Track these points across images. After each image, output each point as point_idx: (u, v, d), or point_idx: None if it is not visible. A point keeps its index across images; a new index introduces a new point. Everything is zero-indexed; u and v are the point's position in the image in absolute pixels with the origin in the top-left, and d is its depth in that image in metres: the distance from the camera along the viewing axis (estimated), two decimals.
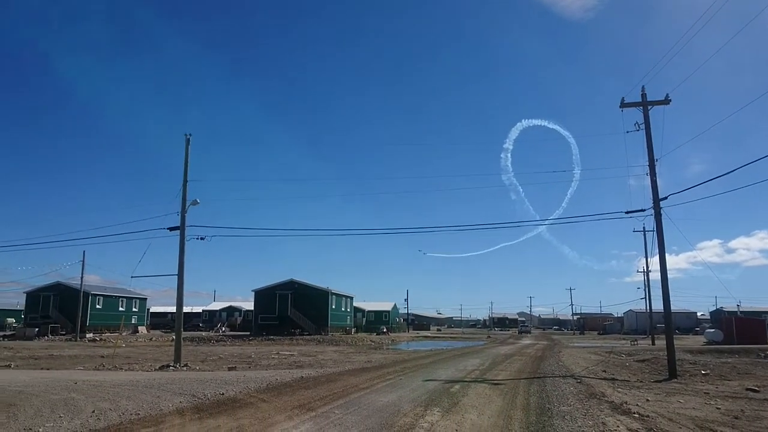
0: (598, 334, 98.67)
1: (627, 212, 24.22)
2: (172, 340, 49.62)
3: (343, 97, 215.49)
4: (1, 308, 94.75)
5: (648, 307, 60.70)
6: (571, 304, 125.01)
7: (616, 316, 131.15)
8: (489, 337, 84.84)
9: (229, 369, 24.27)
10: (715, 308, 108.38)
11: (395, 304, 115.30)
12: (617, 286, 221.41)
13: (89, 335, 64.28)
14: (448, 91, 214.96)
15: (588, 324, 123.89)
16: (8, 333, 71.33)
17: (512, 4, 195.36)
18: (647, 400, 14.45)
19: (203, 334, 77.46)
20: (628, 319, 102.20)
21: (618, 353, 36.42)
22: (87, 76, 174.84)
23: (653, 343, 49.22)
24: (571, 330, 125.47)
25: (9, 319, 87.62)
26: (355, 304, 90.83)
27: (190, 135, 27.49)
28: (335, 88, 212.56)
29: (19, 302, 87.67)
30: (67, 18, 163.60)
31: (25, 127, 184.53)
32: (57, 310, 71.36)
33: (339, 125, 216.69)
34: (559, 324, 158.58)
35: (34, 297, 73.60)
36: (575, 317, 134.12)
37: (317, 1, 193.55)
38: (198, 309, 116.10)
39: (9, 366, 26.87)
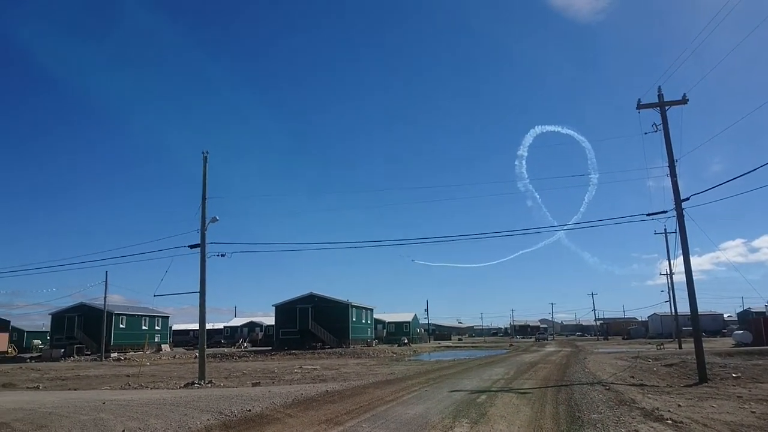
0: (623, 339, 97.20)
1: (648, 214, 23.94)
2: (196, 357, 49.94)
3: (350, 106, 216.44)
4: (27, 330, 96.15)
5: (673, 310, 59.77)
6: (594, 310, 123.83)
7: (640, 320, 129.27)
8: (511, 345, 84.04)
9: (254, 385, 24.31)
10: (742, 309, 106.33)
11: (415, 315, 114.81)
12: (640, 290, 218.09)
13: (114, 354, 64.89)
14: (458, 98, 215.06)
15: (612, 329, 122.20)
16: (35, 355, 72.30)
17: (522, 9, 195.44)
18: (679, 405, 14.18)
19: (225, 350, 77.75)
20: (653, 322, 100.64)
21: (645, 358, 35.85)
22: (100, 91, 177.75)
23: (680, 347, 48.37)
24: (595, 336, 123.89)
25: (36, 341, 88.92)
26: (375, 315, 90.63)
27: (207, 153, 27.82)
28: (344, 98, 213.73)
29: (44, 324, 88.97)
30: (83, 31, 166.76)
31: (40, 146, 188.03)
32: (82, 331, 72.15)
33: (352, 136, 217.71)
34: (582, 330, 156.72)
35: (59, 318, 74.52)
36: (598, 323, 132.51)
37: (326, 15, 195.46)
38: (219, 325, 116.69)
39: (37, 387, 27.21)
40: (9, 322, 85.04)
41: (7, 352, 76.46)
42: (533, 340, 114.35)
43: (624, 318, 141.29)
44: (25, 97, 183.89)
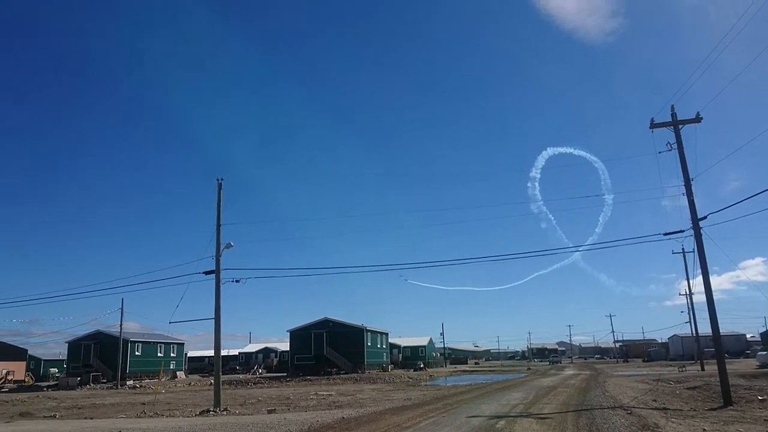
0: (643, 361, 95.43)
1: (665, 234, 23.70)
2: (211, 384, 49.72)
3: (358, 125, 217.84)
4: (44, 359, 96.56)
5: (694, 331, 58.68)
6: (612, 332, 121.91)
7: (660, 341, 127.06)
8: (529, 368, 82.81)
9: (269, 412, 24.11)
10: (765, 329, 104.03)
11: (431, 339, 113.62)
12: (659, 311, 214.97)
13: (129, 382, 64.83)
14: (467, 120, 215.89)
15: (631, 351, 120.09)
16: (52, 383, 72.46)
17: (532, 32, 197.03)
18: (704, 430, 13.81)
19: (240, 376, 77.42)
20: (674, 344, 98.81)
21: (666, 381, 35.12)
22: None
23: (703, 369, 47.35)
24: (614, 358, 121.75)
25: (52, 369, 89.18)
26: (390, 340, 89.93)
27: (222, 179, 28.09)
28: (352, 117, 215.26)
29: (61, 352, 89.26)
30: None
31: (55, 176, 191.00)
32: (98, 359, 72.26)
33: (357, 155, 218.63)
34: (600, 352, 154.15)
35: (75, 346, 74.75)
36: (617, 345, 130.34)
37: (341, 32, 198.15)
38: (234, 351, 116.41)
39: (54, 416, 27.20)
40: (26, 350, 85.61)
41: (24, 381, 76.72)
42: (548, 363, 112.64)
43: (643, 340, 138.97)
44: (46, 128, 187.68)
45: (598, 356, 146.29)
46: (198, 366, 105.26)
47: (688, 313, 60.37)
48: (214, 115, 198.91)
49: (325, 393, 37.40)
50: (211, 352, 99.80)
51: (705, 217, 21.36)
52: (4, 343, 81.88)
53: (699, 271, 21.31)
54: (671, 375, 42.68)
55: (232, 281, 27.72)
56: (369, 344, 75.37)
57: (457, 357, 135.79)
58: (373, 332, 78.28)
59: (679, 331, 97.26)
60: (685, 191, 21.83)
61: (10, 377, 76.98)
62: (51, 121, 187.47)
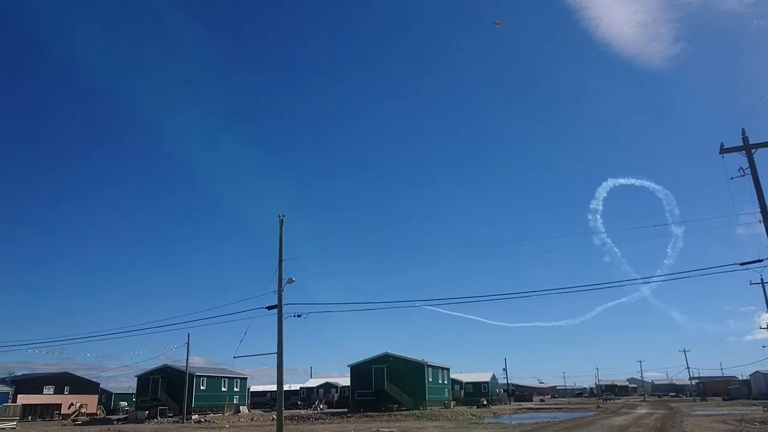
0: (723, 399, 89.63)
1: (742, 264, 22.45)
2: (273, 419, 50.07)
3: (417, 157, 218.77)
4: (115, 392, 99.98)
5: None
6: (687, 368, 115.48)
7: (741, 378, 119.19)
8: (598, 407, 79.04)
9: None
10: None
11: (493, 374, 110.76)
12: (738, 346, 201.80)
13: (194, 416, 66.07)
14: (527, 151, 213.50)
15: (709, 389, 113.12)
16: (121, 416, 74.77)
17: (591, 59, 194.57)
18: None
19: (302, 412, 77.57)
20: (756, 381, 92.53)
21: (750, 421, 32.78)
22: (180, 157, 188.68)
23: None
24: (691, 396, 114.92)
25: (122, 403, 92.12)
26: (451, 375, 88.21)
27: (284, 216, 28.72)
28: (412, 149, 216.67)
29: (131, 386, 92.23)
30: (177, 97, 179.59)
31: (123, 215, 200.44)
32: (165, 393, 74.14)
33: (419, 189, 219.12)
34: (675, 390, 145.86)
35: (144, 380, 77.06)
36: (693, 382, 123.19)
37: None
38: (296, 386, 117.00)
39: None
40: (98, 384, 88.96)
41: (96, 414, 79.58)
42: (623, 400, 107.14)
43: (722, 377, 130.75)
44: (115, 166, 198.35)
45: (673, 394, 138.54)
46: (260, 401, 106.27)
47: None
48: (280, 158, 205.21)
49: (386, 430, 36.90)
50: (272, 387, 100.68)
51: None
52: (79, 377, 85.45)
53: None
54: (755, 415, 39.80)
55: (294, 316, 28.05)
56: (430, 380, 74.12)
57: (521, 394, 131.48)
58: (434, 367, 77.02)
59: (762, 368, 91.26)
60: (762, 218, 20.72)
61: (83, 410, 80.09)
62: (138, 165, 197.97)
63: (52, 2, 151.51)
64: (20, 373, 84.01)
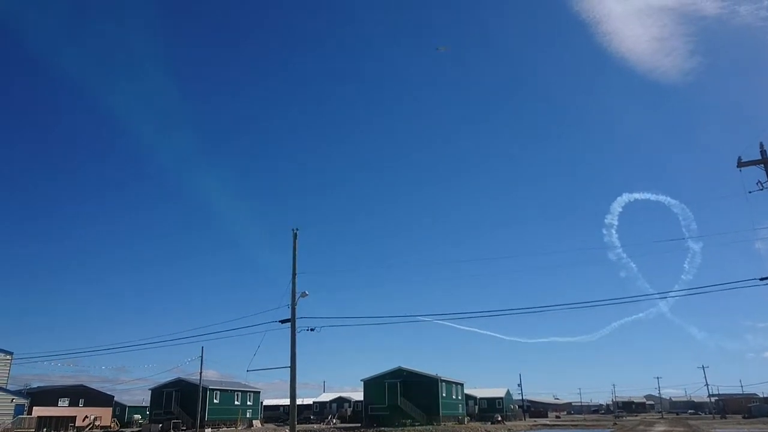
0: (743, 417, 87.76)
1: (762, 279, 22.13)
2: None
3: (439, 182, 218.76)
4: (129, 405, 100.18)
5: None
6: (707, 384, 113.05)
7: (761, 396, 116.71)
8: (615, 423, 77.73)
9: None
10: None
11: (508, 390, 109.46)
12: (758, 362, 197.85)
13: (207, 430, 66.01)
14: (541, 166, 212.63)
15: (729, 406, 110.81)
16: (135, 429, 74.92)
17: (605, 74, 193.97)
18: None
19: (315, 426, 77.21)
20: None
21: None
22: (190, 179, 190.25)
23: None
24: (710, 413, 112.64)
25: (136, 416, 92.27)
26: (466, 390, 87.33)
27: (297, 230, 28.79)
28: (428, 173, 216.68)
29: (144, 399, 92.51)
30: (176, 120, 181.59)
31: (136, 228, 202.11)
32: (178, 406, 74.13)
33: (436, 206, 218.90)
34: (693, 407, 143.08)
35: (157, 393, 77.18)
36: (713, 399, 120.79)
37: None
38: (308, 401, 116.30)
39: None
40: (113, 397, 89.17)
41: (110, 427, 79.67)
42: (640, 417, 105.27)
43: (742, 394, 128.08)
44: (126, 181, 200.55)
45: (692, 411, 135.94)
46: (273, 415, 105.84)
47: None
48: (292, 168, 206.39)
49: None
50: (285, 401, 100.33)
51: None
52: (94, 389, 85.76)
53: None
54: None
55: (307, 329, 28.02)
56: (444, 395, 73.46)
57: (536, 410, 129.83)
58: (448, 382, 76.35)
59: None
60: None
61: (97, 423, 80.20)
62: (155, 197, 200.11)
63: (47, 21, 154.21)
64: (36, 386, 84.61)
